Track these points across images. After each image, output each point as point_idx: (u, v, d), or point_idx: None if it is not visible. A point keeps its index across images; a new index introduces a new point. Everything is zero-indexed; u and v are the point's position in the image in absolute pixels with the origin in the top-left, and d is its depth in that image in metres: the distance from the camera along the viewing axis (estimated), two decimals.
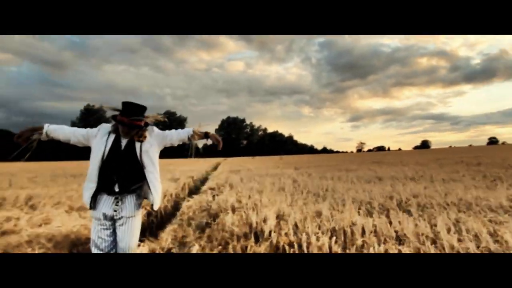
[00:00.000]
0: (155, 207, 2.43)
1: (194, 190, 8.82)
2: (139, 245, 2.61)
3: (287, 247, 2.85)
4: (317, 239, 2.96)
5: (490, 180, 7.05)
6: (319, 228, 3.32)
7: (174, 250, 3.26)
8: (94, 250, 2.41)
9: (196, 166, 17.02)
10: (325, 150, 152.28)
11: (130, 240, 2.39)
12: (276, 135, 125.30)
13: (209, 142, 2.67)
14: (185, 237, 3.90)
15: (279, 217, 3.86)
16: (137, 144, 2.31)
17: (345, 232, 3.24)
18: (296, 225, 3.50)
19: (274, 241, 2.98)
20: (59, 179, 10.43)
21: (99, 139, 2.32)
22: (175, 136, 2.54)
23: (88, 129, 2.41)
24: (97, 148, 2.30)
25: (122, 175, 2.31)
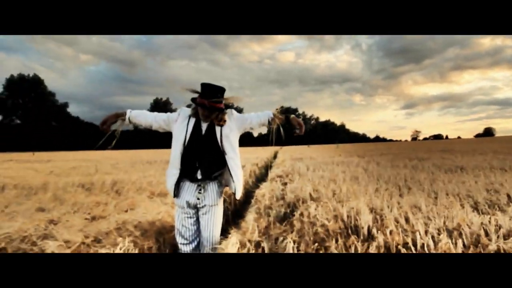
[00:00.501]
0: (238, 195, 2.31)
1: (261, 178, 8.67)
2: (226, 237, 2.42)
3: (402, 248, 2.44)
4: (437, 239, 2.52)
5: None
6: (428, 226, 2.83)
7: (263, 244, 3.02)
8: (179, 239, 2.35)
9: (256, 154, 17.00)
10: (378, 139, 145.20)
11: (214, 229, 2.32)
12: (328, 124, 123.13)
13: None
14: (269, 228, 3.68)
15: (373, 210, 3.42)
16: (217, 129, 2.19)
17: (461, 233, 2.73)
18: (396, 221, 3.05)
19: (381, 240, 2.59)
20: (138, 165, 11.00)
21: (180, 124, 2.22)
22: (255, 120, 2.35)
23: (169, 113, 2.31)
24: (179, 133, 2.20)
25: (204, 161, 2.21)
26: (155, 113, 2.33)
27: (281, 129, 2.41)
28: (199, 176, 2.22)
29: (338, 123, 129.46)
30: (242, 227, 3.91)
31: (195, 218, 2.32)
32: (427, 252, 2.36)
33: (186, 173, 2.24)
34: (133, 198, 4.93)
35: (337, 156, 13.77)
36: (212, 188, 2.30)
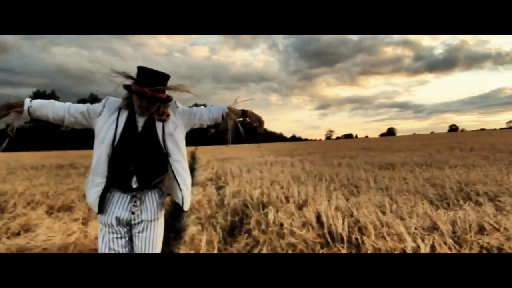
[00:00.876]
0: (186, 207, 1.99)
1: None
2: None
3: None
4: (427, 241, 2.34)
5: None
6: (409, 228, 2.67)
7: None
8: None
9: None
10: (294, 138, 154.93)
11: (153, 250, 1.99)
12: (244, 123, 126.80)
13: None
14: (225, 242, 3.15)
15: (341, 213, 3.17)
16: (158, 125, 1.88)
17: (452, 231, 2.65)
18: (373, 224, 2.83)
19: (370, 247, 2.31)
20: (20, 172, 9.14)
21: (106, 118, 1.85)
22: (206, 114, 2.07)
23: (89, 105, 1.91)
24: (105, 130, 1.82)
25: (141, 165, 1.86)
26: (68, 104, 1.89)
27: (239, 126, 2.14)
28: (134, 185, 1.85)
29: (254, 122, 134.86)
30: (186, 242, 3.30)
31: (126, 238, 1.93)
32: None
33: (116, 182, 1.85)
34: (25, 215, 3.83)
35: (266, 156, 13.78)
36: (151, 199, 1.94)
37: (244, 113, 2.12)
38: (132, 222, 1.91)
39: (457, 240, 2.49)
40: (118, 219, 1.87)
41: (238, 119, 2.13)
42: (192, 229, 3.64)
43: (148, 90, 1.72)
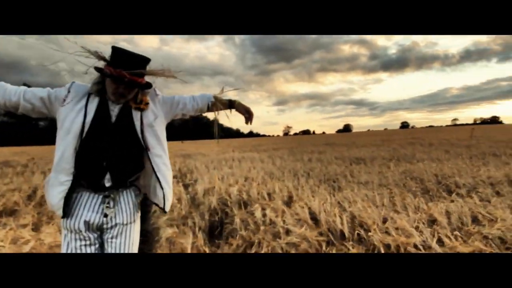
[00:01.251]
0: (167, 207, 1.81)
1: None
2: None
3: (411, 249, 2.16)
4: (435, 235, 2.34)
5: (480, 158, 7.45)
6: (414, 222, 2.67)
7: None
8: None
9: None
10: (251, 134, 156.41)
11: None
12: (200, 118, 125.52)
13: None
14: (211, 244, 2.94)
15: (335, 209, 3.10)
16: (136, 114, 1.69)
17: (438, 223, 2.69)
18: (372, 220, 2.80)
19: (392, 243, 2.27)
20: None
21: (72, 105, 1.64)
22: (190, 104, 1.93)
23: (49, 89, 1.69)
24: (70, 119, 1.61)
25: (115, 160, 1.68)
26: (23, 88, 1.65)
27: (228, 116, 2.02)
28: (107, 183, 1.65)
29: (211, 117, 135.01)
30: (163, 246, 3.05)
31: (97, 245, 1.72)
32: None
33: (85, 180, 1.65)
34: None
35: (231, 151, 13.66)
36: (126, 199, 1.76)
37: (231, 103, 1.98)
38: (104, 226, 1.71)
39: (460, 232, 2.52)
40: (87, 224, 1.67)
41: (224, 110, 1.99)
42: (166, 231, 3.37)
43: (127, 74, 1.54)
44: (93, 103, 1.62)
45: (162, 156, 1.74)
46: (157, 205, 1.82)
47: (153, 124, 1.72)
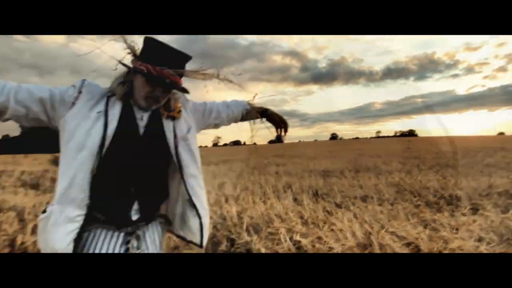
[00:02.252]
0: (205, 241, 1.58)
1: None
2: None
3: None
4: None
5: (426, 169, 8.39)
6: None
7: None
8: None
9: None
10: None
11: None
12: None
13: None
14: None
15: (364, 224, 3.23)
16: (167, 125, 1.45)
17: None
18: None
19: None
20: None
21: (87, 112, 1.33)
22: (224, 112, 1.78)
23: (51, 88, 1.33)
24: (84, 130, 1.29)
25: (145, 185, 1.42)
26: (13, 84, 1.24)
27: (268, 128, 1.88)
28: (134, 216, 1.37)
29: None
30: None
31: None
32: None
33: (105, 213, 1.35)
34: None
35: None
36: (152, 235, 1.48)
37: (264, 112, 1.85)
38: None
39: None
40: None
41: (258, 119, 1.86)
42: None
43: (169, 73, 1.33)
44: (115, 109, 1.34)
45: (197, 176, 1.51)
46: (184, 239, 1.58)
47: (187, 137, 1.50)
